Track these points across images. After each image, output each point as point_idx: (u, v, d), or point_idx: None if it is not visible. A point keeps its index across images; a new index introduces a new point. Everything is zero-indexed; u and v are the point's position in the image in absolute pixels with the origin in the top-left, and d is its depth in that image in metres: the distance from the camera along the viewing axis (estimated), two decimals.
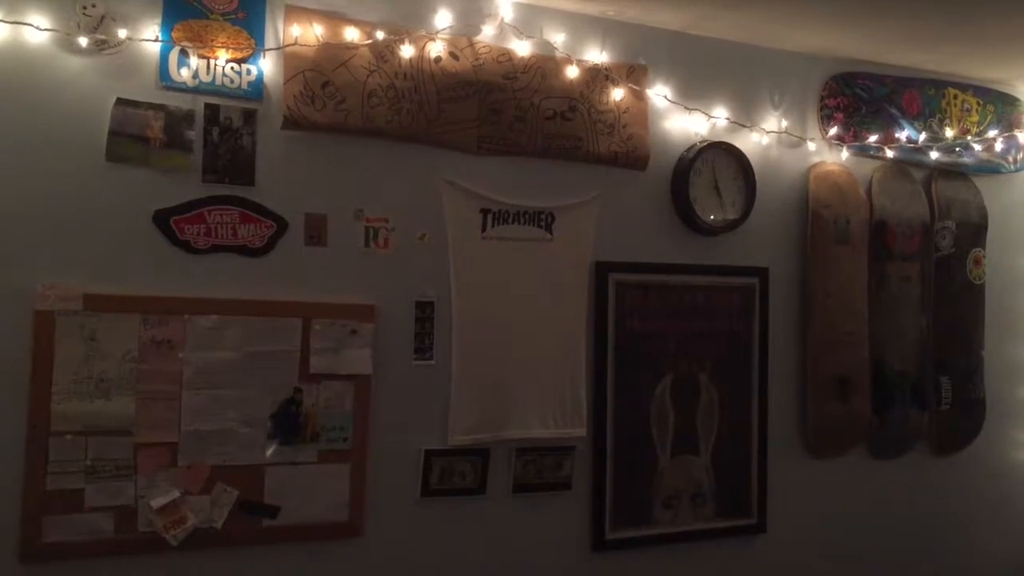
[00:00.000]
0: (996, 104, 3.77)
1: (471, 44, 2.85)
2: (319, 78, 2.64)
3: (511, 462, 2.93)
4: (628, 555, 3.11)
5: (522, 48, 2.90)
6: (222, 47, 2.55)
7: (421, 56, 2.77)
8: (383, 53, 2.72)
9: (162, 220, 2.50)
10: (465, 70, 2.83)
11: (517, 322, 2.93)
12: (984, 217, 3.76)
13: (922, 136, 3.57)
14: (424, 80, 2.77)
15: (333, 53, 2.66)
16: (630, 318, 3.13)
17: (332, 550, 2.69)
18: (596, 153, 3.03)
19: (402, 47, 2.73)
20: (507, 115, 2.89)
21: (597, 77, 3.03)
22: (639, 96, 3.10)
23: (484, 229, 2.90)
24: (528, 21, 2.91)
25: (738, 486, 3.31)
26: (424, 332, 2.82)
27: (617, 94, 3.06)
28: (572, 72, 2.97)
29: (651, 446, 3.16)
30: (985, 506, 3.82)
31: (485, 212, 2.90)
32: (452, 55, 2.82)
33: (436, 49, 2.79)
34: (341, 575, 2.71)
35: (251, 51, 2.59)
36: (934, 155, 3.60)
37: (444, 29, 2.78)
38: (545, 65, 2.95)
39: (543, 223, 2.99)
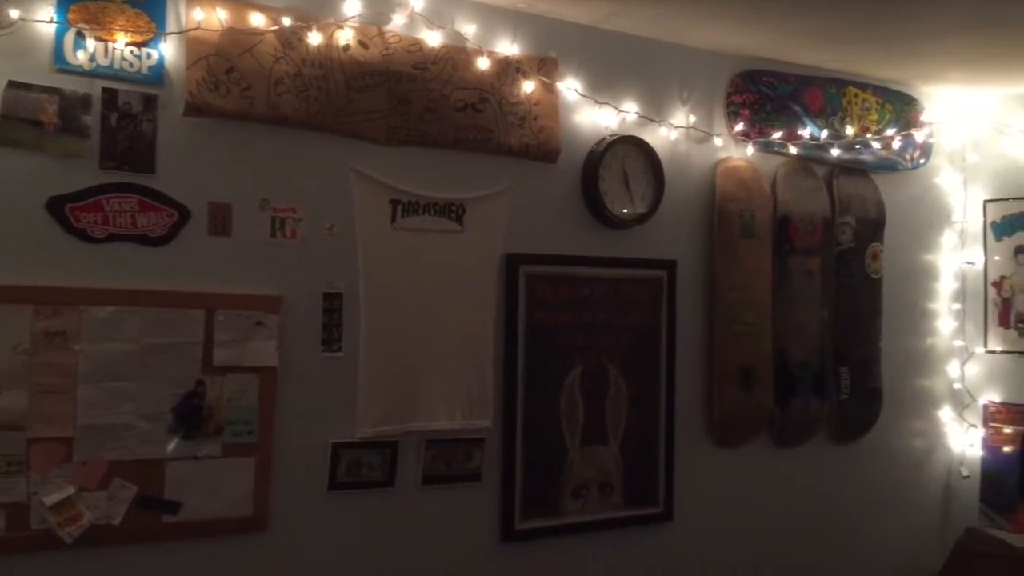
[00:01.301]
0: (894, 103, 3.90)
1: (381, 33, 2.82)
2: (223, 64, 2.58)
3: (420, 454, 2.92)
4: (537, 545, 3.14)
5: (433, 39, 2.89)
6: (121, 30, 2.47)
7: (329, 44, 2.73)
8: (290, 40, 2.67)
9: (56, 207, 2.41)
10: (374, 59, 2.80)
11: (426, 314, 2.92)
12: (882, 213, 3.89)
13: (824, 133, 3.67)
14: (332, 68, 2.73)
15: (238, 38, 2.60)
16: (540, 310, 3.15)
17: (236, 545, 2.64)
18: (507, 145, 3.04)
19: (309, 34, 2.69)
20: (417, 106, 2.87)
21: (508, 69, 3.04)
22: (550, 89, 3.12)
23: (394, 220, 2.88)
24: (439, 11, 2.90)
25: (646, 475, 3.36)
26: (332, 324, 2.79)
27: (528, 87, 3.06)
28: (483, 64, 2.97)
29: (560, 437, 3.18)
30: (882, 492, 3.96)
31: (395, 203, 2.88)
32: (361, 44, 2.78)
33: (345, 37, 2.75)
34: (245, 571, 2.66)
35: (151, 35, 2.51)
36: (835, 152, 3.71)
37: (353, 17, 2.74)
38: (456, 56, 2.94)
39: (454, 215, 2.98)
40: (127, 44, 2.48)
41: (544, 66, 3.12)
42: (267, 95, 2.63)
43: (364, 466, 2.82)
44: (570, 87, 3.16)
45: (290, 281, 2.71)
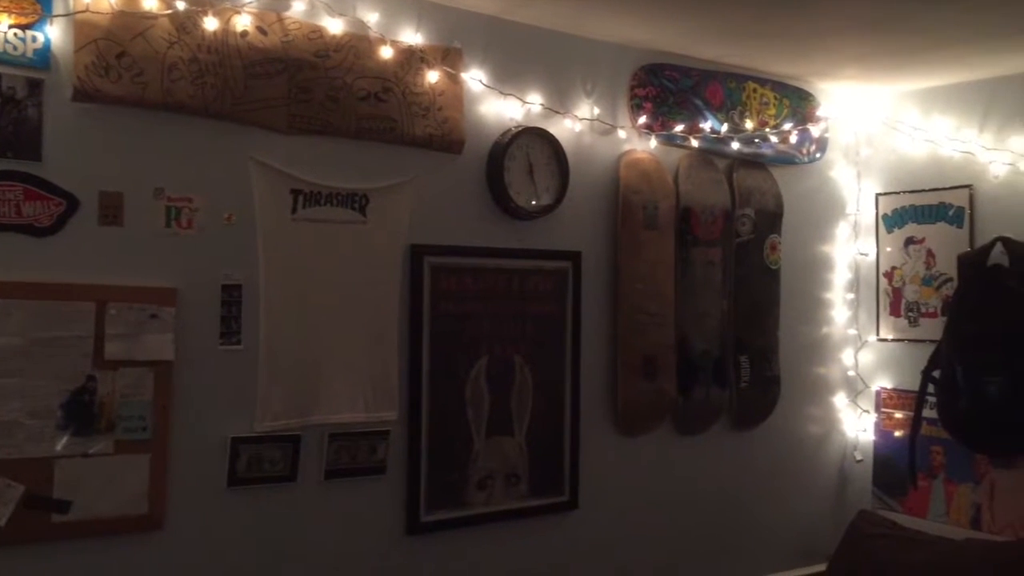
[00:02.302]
0: (791, 99, 4.00)
1: (280, 19, 2.77)
2: (114, 48, 2.49)
3: (323, 447, 2.88)
4: (443, 537, 3.13)
5: (334, 26, 2.84)
6: (4, 11, 2.37)
7: (226, 29, 2.67)
8: (185, 24, 2.60)
9: None
10: (274, 46, 2.74)
11: (329, 305, 2.89)
12: (780, 206, 3.99)
13: (724, 127, 3.74)
14: (230, 55, 2.67)
15: (129, 22, 2.52)
16: (445, 301, 3.14)
17: (130, 544, 2.56)
18: (411, 136, 3.02)
19: (205, 19, 2.62)
20: (319, 94, 2.83)
21: (412, 59, 3.01)
22: (454, 80, 3.11)
23: (294, 210, 2.83)
24: None
25: (551, 465, 3.39)
26: (231, 316, 2.73)
27: (432, 77, 3.05)
28: (386, 53, 2.94)
29: (466, 428, 3.18)
30: (780, 476, 4.07)
31: (296, 193, 2.84)
32: (260, 30, 2.73)
33: (243, 23, 2.69)
34: (140, 570, 2.59)
35: (37, 17, 2.41)
36: (735, 146, 3.79)
37: (251, 2, 2.69)
38: (358, 45, 2.91)
39: (357, 205, 2.95)
40: (11, 26, 2.38)
41: (448, 56, 3.10)
42: (161, 81, 2.55)
43: (265, 461, 2.77)
44: (475, 78, 3.15)
45: (186, 273, 2.65)
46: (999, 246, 3.71)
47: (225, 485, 2.72)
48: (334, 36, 2.85)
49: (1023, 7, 2.98)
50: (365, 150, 2.95)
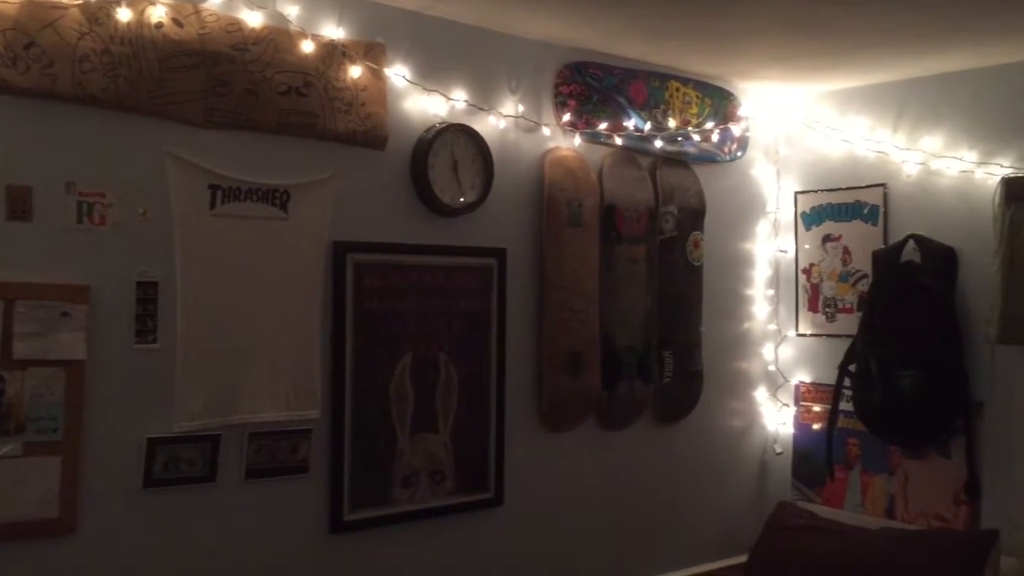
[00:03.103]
0: (713, 98, 4.07)
1: (196, 11, 2.71)
2: (22, 38, 2.41)
3: (244, 447, 2.84)
4: (367, 535, 3.11)
5: (253, 19, 2.80)
6: None
7: (140, 21, 2.60)
8: (97, 15, 2.53)
9: None
10: (190, 38, 2.69)
11: (249, 302, 2.84)
12: (702, 203, 4.05)
13: (648, 125, 3.79)
14: (144, 47, 2.61)
15: (38, 12, 2.44)
16: (369, 298, 3.12)
17: (41, 549, 2.49)
18: (333, 131, 2.99)
19: (118, 10, 2.55)
20: (237, 88, 2.78)
21: (334, 53, 2.98)
22: (377, 75, 3.08)
23: (213, 206, 2.78)
24: None
25: (476, 462, 3.39)
26: (146, 314, 2.67)
27: (355, 72, 3.02)
28: (307, 47, 2.90)
29: (390, 426, 3.16)
30: (703, 470, 4.14)
31: (214, 188, 2.78)
32: (175, 21, 2.67)
33: (157, 14, 2.63)
34: (52, 575, 2.52)
35: None
36: (658, 144, 3.84)
37: None
38: (278, 38, 2.87)
39: (277, 201, 2.91)
40: None
41: (371, 52, 3.08)
42: (71, 73, 2.48)
43: (183, 461, 2.72)
44: (398, 74, 3.14)
45: (99, 270, 2.58)
46: (911, 243, 3.83)
47: (141, 486, 2.65)
48: (253, 29, 2.80)
49: (935, 11, 3.06)
50: (286, 145, 2.92)
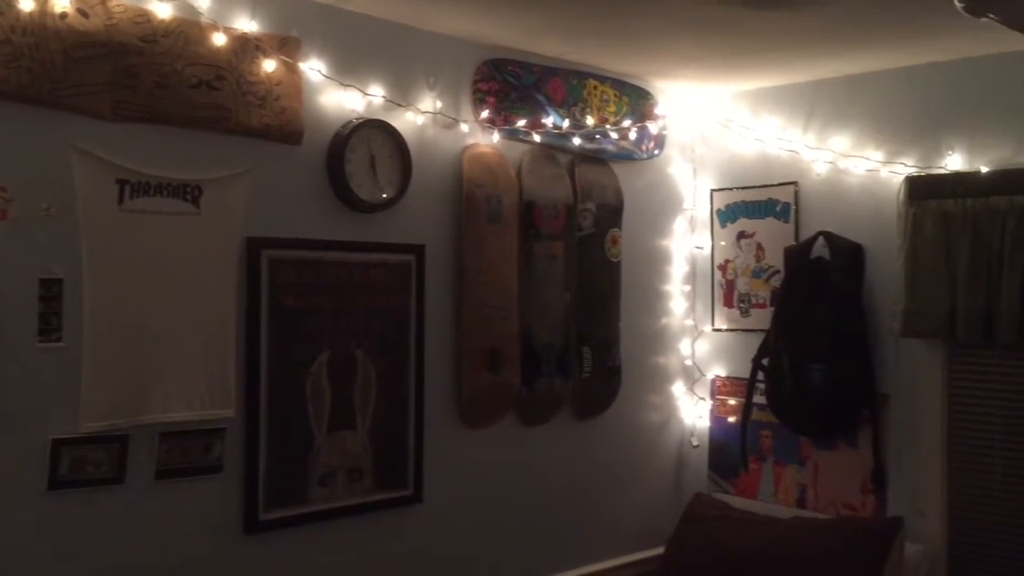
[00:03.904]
0: (631, 96, 4.12)
1: (103, 2, 2.64)
2: None
3: (154, 447, 2.78)
4: (283, 535, 3.08)
5: (162, 10, 2.74)
6: None
7: (44, 11, 2.53)
8: None
9: None
10: (96, 29, 2.62)
11: (160, 299, 2.78)
12: (620, 200, 4.10)
13: (566, 123, 3.82)
14: (47, 37, 2.53)
15: None
16: (284, 295, 3.09)
17: None
18: (247, 125, 2.94)
19: (20, 0, 2.48)
20: (146, 80, 2.72)
21: (247, 47, 2.94)
22: (292, 69, 3.05)
23: (121, 201, 2.72)
24: None
25: (395, 459, 3.38)
26: (50, 312, 2.59)
27: (269, 66, 2.98)
28: (219, 40, 2.85)
29: (307, 424, 3.14)
30: (622, 464, 4.19)
31: (122, 183, 2.72)
32: (81, 12, 2.59)
33: (61, 4, 2.55)
34: None
35: None
36: (577, 141, 3.87)
37: None
38: (189, 31, 2.81)
39: (189, 196, 2.86)
40: None
41: (286, 45, 3.04)
42: None
43: (89, 463, 2.65)
44: (314, 68, 3.10)
45: None
46: (821, 240, 3.94)
47: (45, 489, 2.58)
48: (162, 21, 2.74)
49: (842, 14, 3.15)
50: (198, 139, 2.86)
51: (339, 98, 3.19)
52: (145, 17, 2.72)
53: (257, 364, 3.01)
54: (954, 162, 3.65)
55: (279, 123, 3.01)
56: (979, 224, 3.46)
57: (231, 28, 2.89)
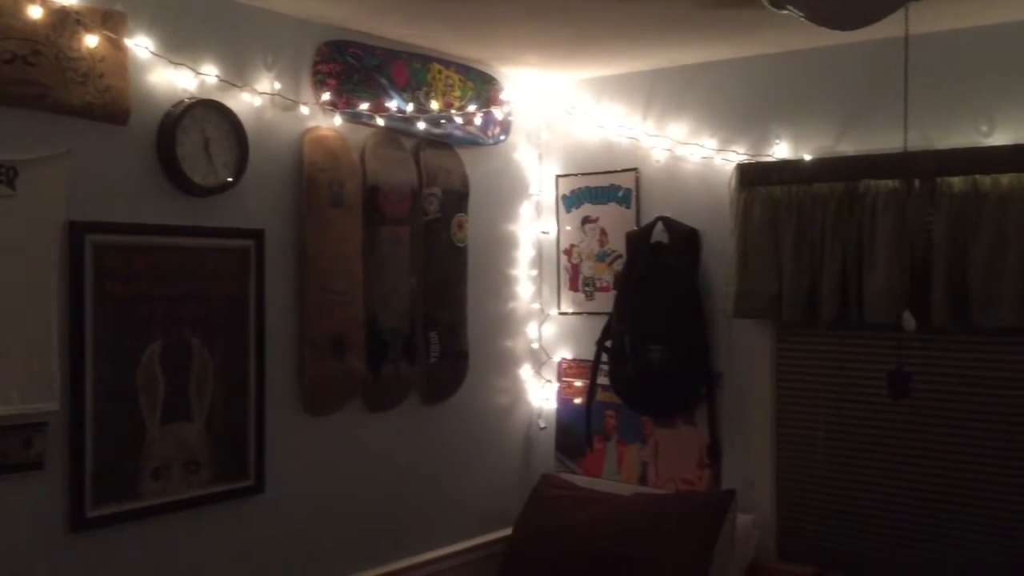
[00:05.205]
0: (476, 82, 4.13)
1: None
2: None
3: None
4: (114, 531, 2.96)
5: None
6: None
7: None
8: None
9: None
10: None
11: None
12: (466, 185, 4.12)
13: (410, 107, 3.80)
14: None
15: None
16: (112, 282, 2.95)
17: None
18: (67, 103, 2.79)
19: None
20: None
21: (66, 21, 2.78)
22: (117, 45, 2.91)
23: None
24: None
25: (235, 449, 3.29)
26: None
27: (91, 41, 2.83)
28: (35, 13, 2.69)
29: (138, 415, 3.02)
30: (470, 447, 4.22)
31: None
32: None
33: None
34: None
35: None
36: (421, 126, 3.85)
37: None
38: (1, 2, 2.64)
39: (4, 177, 2.69)
40: None
41: (110, 20, 2.90)
42: None
43: None
44: (141, 45, 2.97)
45: None
46: (660, 225, 4.07)
47: None
48: None
49: (675, 5, 3.23)
50: (12, 118, 2.70)
51: (169, 77, 3.07)
52: None
53: (82, 355, 2.88)
54: (781, 150, 3.83)
55: (103, 101, 2.87)
56: (803, 209, 3.64)
57: (48, 1, 2.73)
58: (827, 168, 3.62)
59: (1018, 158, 3.25)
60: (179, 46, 3.09)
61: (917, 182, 3.40)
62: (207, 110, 3.15)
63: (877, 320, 3.42)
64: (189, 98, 3.10)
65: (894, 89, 2.99)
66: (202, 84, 3.15)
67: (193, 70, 3.11)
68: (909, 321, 3.05)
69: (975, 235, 3.29)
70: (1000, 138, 3.37)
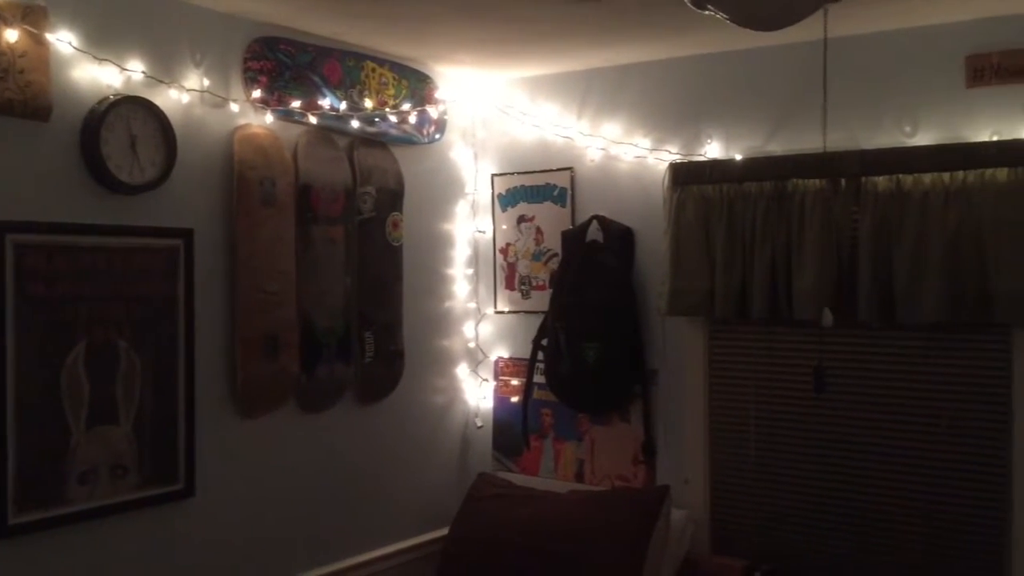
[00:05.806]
0: (410, 80, 4.11)
1: None
2: None
3: None
4: (40, 538, 2.88)
5: None
6: None
7: None
8: None
9: None
10: None
11: None
12: (401, 184, 4.10)
13: (343, 105, 3.76)
14: None
15: None
16: (33, 283, 2.88)
17: None
18: None
19: None
20: None
21: None
22: (38, 40, 2.83)
23: None
24: None
25: (164, 453, 3.23)
26: None
27: (11, 36, 2.76)
28: None
29: (62, 419, 2.95)
30: (406, 447, 4.20)
31: None
32: None
33: None
34: None
35: None
36: (355, 124, 3.82)
37: None
38: None
39: None
40: None
41: (30, 14, 2.82)
42: None
43: None
44: (63, 40, 2.90)
45: None
46: (595, 223, 4.09)
47: None
48: None
49: (608, 6, 3.26)
50: None
51: (93, 73, 3.00)
52: None
53: (3, 357, 2.80)
54: (713, 150, 3.88)
55: (23, 98, 2.80)
56: (734, 208, 3.69)
57: None
58: (757, 168, 3.68)
59: (939, 158, 3.34)
60: (104, 41, 3.02)
61: (843, 181, 3.48)
62: (133, 107, 3.09)
63: (806, 316, 3.49)
64: (114, 95, 3.04)
65: (820, 90, 3.05)
66: (128, 80, 3.09)
67: (118, 66, 3.05)
68: (827, 317, 3.13)
69: (899, 233, 3.38)
70: (923, 138, 3.46)
